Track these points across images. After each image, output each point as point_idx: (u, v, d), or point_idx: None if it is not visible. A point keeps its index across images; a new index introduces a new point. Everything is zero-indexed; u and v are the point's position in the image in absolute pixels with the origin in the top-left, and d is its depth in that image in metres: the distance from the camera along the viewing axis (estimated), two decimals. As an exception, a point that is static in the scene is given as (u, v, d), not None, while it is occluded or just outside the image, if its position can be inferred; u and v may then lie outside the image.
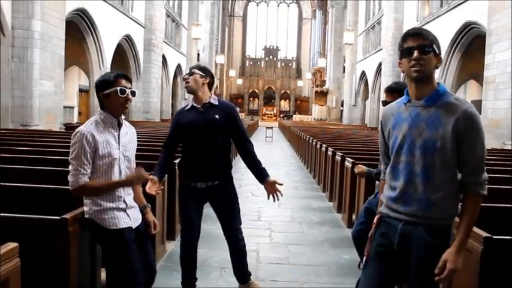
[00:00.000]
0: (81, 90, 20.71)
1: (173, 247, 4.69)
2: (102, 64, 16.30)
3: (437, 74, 15.52)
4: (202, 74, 3.29)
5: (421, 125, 1.94)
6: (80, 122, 18.16)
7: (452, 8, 14.87)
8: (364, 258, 2.16)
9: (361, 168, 3.69)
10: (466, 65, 15.24)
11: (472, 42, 14.27)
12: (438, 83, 2.00)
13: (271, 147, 18.95)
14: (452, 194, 1.96)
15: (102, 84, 2.50)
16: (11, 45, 10.44)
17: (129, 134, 2.66)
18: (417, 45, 1.93)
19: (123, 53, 19.15)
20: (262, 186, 3.32)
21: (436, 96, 1.95)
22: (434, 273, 1.87)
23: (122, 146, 2.56)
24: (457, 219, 1.97)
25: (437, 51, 1.96)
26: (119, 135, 2.56)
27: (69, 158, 2.43)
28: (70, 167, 2.41)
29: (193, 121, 3.22)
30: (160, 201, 4.14)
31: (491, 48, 10.80)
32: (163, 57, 23.30)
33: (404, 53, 1.98)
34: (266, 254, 4.55)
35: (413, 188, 1.97)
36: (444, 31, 15.07)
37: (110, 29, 16.72)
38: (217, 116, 3.22)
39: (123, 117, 2.63)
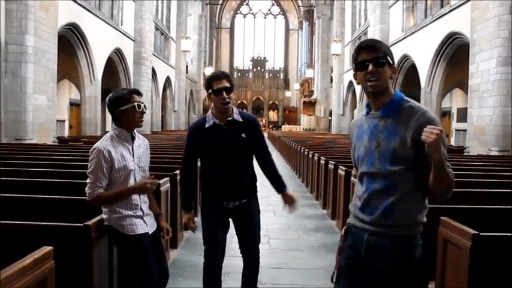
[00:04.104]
0: (71, 104, 20.81)
1: (176, 255, 4.86)
2: (93, 77, 16.42)
3: (423, 82, 15.84)
4: (233, 89, 3.10)
5: (379, 136, 1.94)
6: (70, 135, 18.18)
7: (437, 19, 15.24)
8: (335, 271, 2.12)
9: None
10: (451, 74, 15.59)
11: (456, 52, 14.61)
12: (395, 92, 1.98)
13: (262, 157, 19.11)
14: (416, 202, 1.93)
15: (119, 101, 2.66)
16: (5, 60, 10.57)
17: (142, 146, 2.83)
18: (371, 57, 1.91)
19: (114, 66, 19.29)
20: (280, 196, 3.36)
21: (391, 105, 1.94)
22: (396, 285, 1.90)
23: (137, 157, 2.74)
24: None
25: (391, 62, 1.94)
26: (132, 148, 2.73)
27: (87, 172, 2.60)
28: (88, 180, 2.58)
29: (220, 143, 2.96)
30: (164, 211, 4.30)
31: (475, 57, 11.16)
32: (153, 69, 23.47)
33: (358, 66, 1.96)
34: (266, 260, 4.70)
35: (375, 197, 1.95)
36: (429, 41, 15.46)
37: (101, 43, 16.87)
38: (243, 135, 3.00)
39: (135, 130, 2.80)
